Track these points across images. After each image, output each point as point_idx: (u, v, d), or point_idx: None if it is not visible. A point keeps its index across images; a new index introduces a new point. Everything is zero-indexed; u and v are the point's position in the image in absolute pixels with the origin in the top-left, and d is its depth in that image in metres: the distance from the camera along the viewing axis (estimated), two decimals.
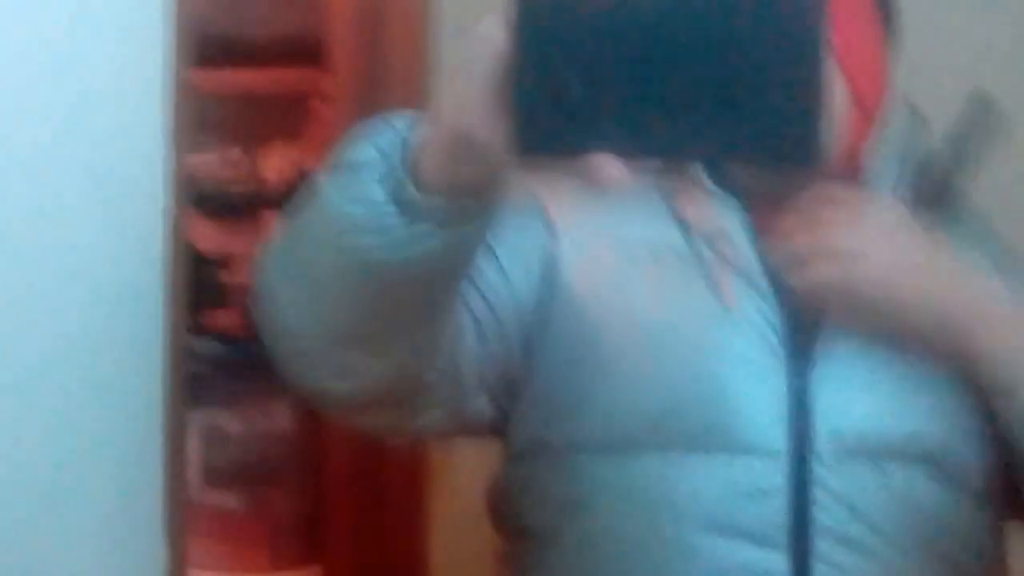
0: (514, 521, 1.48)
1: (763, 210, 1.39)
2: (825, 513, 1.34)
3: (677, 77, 1.06)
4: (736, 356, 1.38)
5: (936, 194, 1.44)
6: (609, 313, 1.40)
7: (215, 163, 3.35)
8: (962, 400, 1.39)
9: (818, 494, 1.35)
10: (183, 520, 1.46)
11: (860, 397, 1.37)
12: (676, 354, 1.38)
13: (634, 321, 1.39)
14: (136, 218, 1.42)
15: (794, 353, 1.37)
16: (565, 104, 1.06)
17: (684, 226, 1.41)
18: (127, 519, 1.39)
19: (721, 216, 1.40)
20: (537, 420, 1.42)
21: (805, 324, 1.37)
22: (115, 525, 1.37)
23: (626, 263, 1.41)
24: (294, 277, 1.28)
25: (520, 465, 1.45)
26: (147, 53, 1.41)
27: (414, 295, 1.25)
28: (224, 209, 3.22)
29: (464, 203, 1.17)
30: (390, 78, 2.48)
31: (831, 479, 1.34)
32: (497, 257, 1.38)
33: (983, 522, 1.43)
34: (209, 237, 2.95)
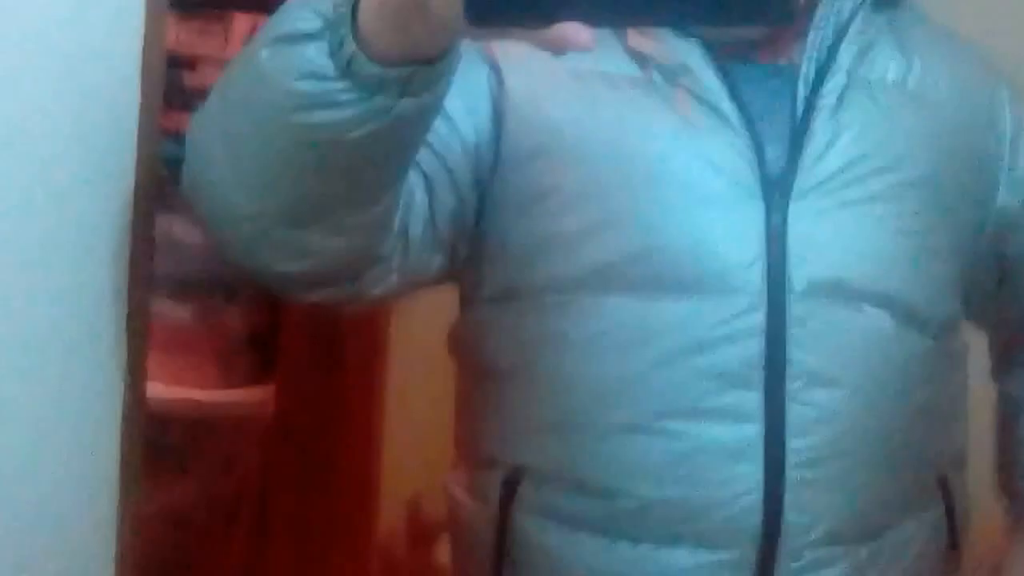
0: (480, 361, 1.45)
1: (723, 48, 1.36)
2: (800, 352, 1.33)
3: None
4: (709, 193, 1.34)
5: None
6: (568, 149, 1.35)
7: None
8: (948, 239, 1.41)
9: (794, 333, 1.33)
10: (144, 331, 1.40)
11: (834, 236, 1.35)
12: (645, 190, 1.34)
13: (596, 156, 1.35)
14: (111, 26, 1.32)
15: (769, 191, 1.34)
16: None
17: (642, 59, 1.36)
18: (84, 330, 1.33)
19: (682, 52, 1.35)
20: (503, 263, 1.39)
21: (779, 162, 1.35)
22: (72, 335, 1.31)
23: (583, 94, 1.36)
24: (237, 158, 1.20)
25: (487, 307, 1.42)
26: None
27: (369, 169, 1.19)
28: (191, 8, 3.12)
29: (419, 72, 1.09)
30: None
31: (807, 319, 1.33)
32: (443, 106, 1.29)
33: (948, 360, 1.45)
34: (175, 38, 2.85)
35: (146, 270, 1.36)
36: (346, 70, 1.09)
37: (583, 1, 0.98)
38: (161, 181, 1.37)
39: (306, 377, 2.57)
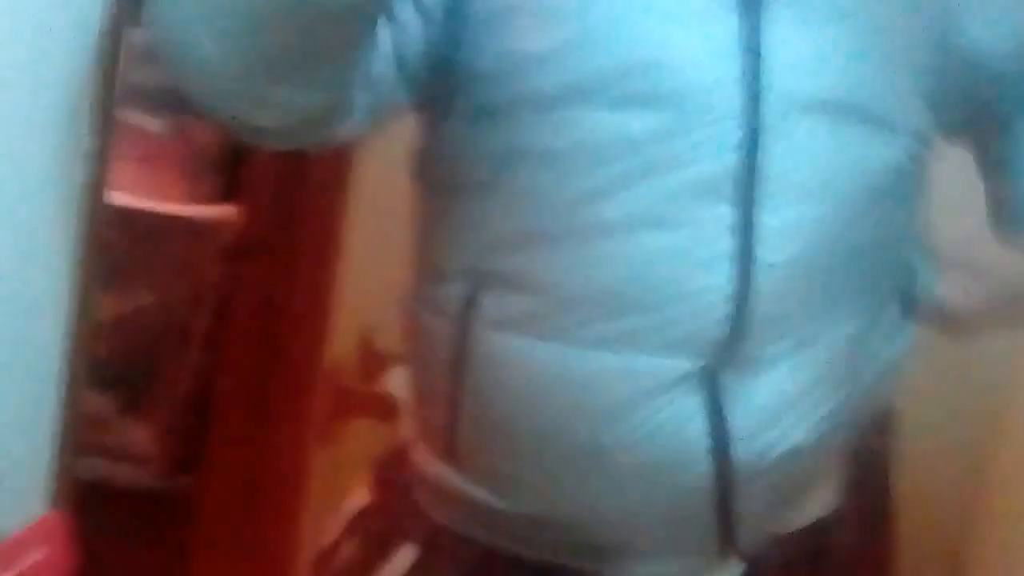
0: (446, 178, 1.44)
1: None
2: (775, 165, 1.32)
3: None
4: (683, 8, 1.33)
5: None
6: None
7: None
8: (924, 48, 1.41)
9: (769, 146, 1.32)
10: (107, 139, 1.38)
11: (809, 49, 1.34)
12: (619, 6, 1.33)
13: None
14: None
15: (743, 3, 1.33)
16: None
17: None
18: (43, 141, 1.31)
19: None
20: (473, 83, 1.36)
21: None
22: (31, 144, 1.30)
23: None
24: (208, 11, 1.16)
25: (456, 126, 1.40)
26: None
27: (344, 17, 1.16)
28: None
29: None
30: None
31: (782, 131, 1.33)
32: None
33: (917, 174, 1.45)
34: None
35: (111, 79, 1.34)
36: None
37: None
38: None
39: (270, 198, 2.55)
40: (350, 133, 1.33)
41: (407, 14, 1.30)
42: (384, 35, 1.29)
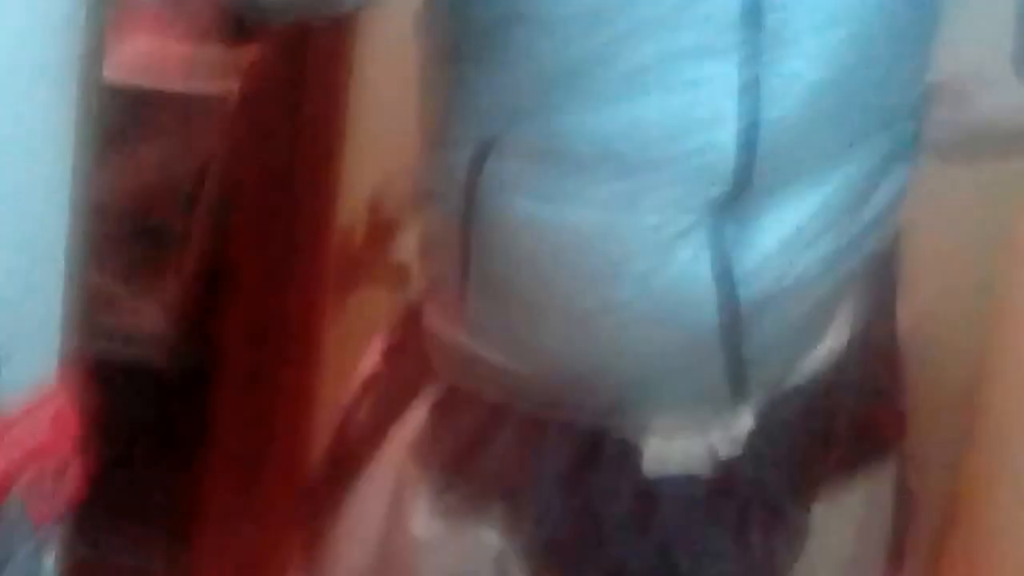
0: (448, 41, 1.44)
1: None
2: (776, 15, 1.32)
3: None
4: None
5: None
6: None
7: None
8: None
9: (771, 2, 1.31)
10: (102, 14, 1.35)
11: None
12: None
13: None
14: None
15: None
16: None
17: None
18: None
19: None
20: None
21: None
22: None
23: None
24: None
25: None
26: None
27: None
28: None
29: None
30: None
31: None
32: None
33: (920, 20, 1.43)
34: None
35: None
36: None
37: None
38: None
39: (273, 64, 2.52)
40: (355, 5, 1.31)
41: None
42: None
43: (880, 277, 1.57)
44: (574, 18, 1.33)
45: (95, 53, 1.34)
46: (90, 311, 1.33)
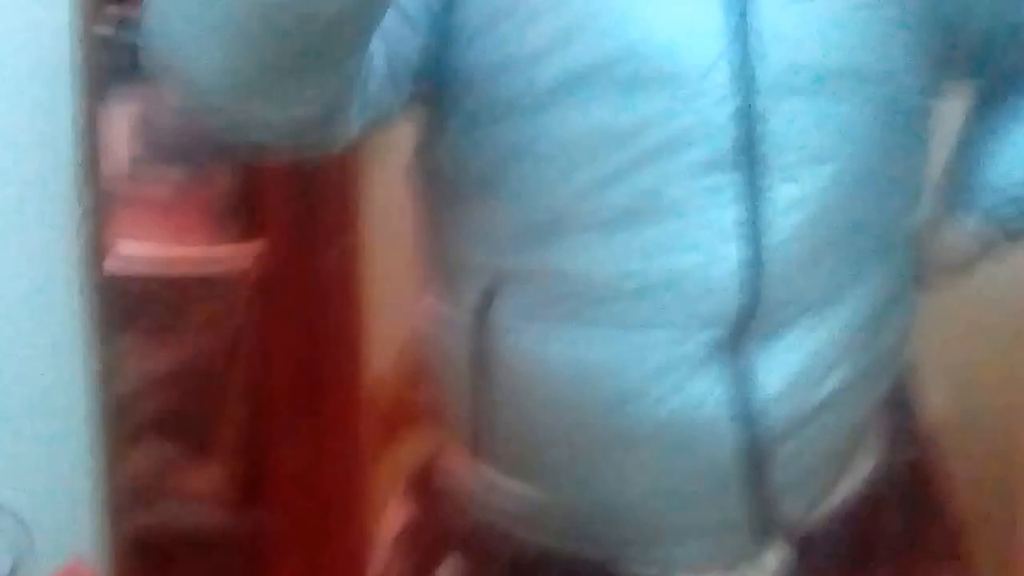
0: (450, 181, 1.43)
1: None
2: (775, 137, 1.31)
3: None
4: None
5: None
6: None
7: None
8: (899, 14, 1.36)
9: (768, 120, 1.31)
10: (100, 212, 1.39)
11: (797, 18, 1.32)
12: (599, 1, 1.31)
13: None
14: None
15: None
16: None
17: None
18: (40, 210, 1.32)
19: None
20: (471, 86, 1.35)
21: None
22: (30, 219, 1.31)
23: None
24: (199, 29, 1.14)
25: (456, 130, 1.39)
26: None
27: (337, 37, 1.15)
28: None
29: None
30: None
31: (779, 105, 1.31)
32: None
33: (918, 133, 1.43)
34: None
35: (94, 147, 1.35)
36: None
37: None
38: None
39: (288, 236, 2.56)
40: (345, 142, 1.31)
41: (397, 26, 1.29)
42: (377, 47, 1.27)
43: (903, 396, 1.55)
44: (575, 147, 1.33)
45: (98, 248, 1.38)
46: (137, 491, 1.34)
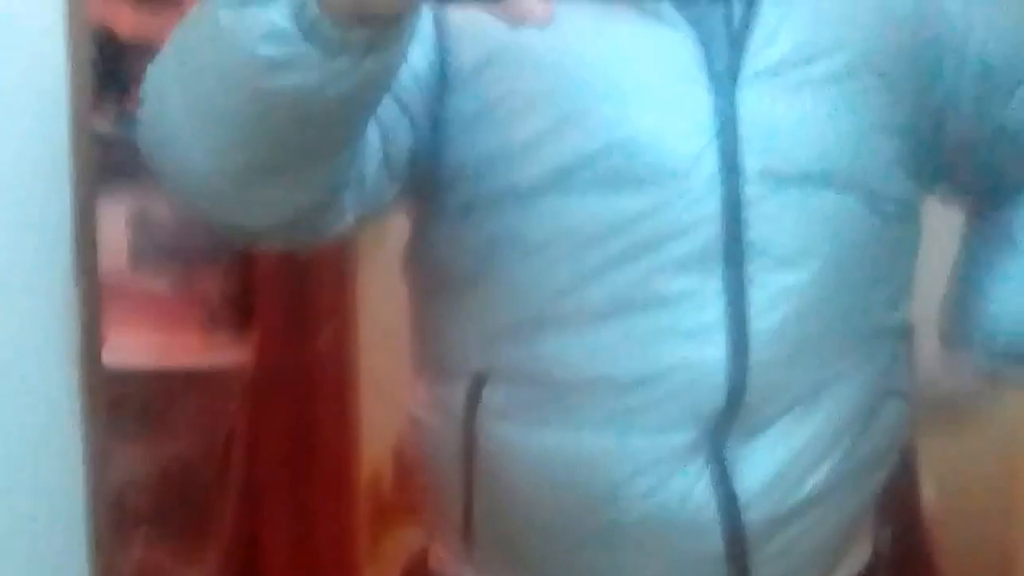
0: (438, 274, 1.44)
1: None
2: (756, 235, 1.32)
3: None
4: (658, 88, 1.32)
5: None
6: (514, 56, 1.32)
7: None
8: (894, 119, 1.38)
9: (749, 217, 1.31)
10: (98, 307, 1.40)
11: (783, 120, 1.33)
12: (594, 89, 1.32)
13: (543, 60, 1.32)
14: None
15: (716, 81, 1.32)
16: None
17: None
18: (39, 306, 1.32)
19: None
20: (460, 178, 1.36)
21: (723, 55, 1.33)
22: (26, 312, 1.31)
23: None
24: (195, 117, 1.15)
25: (446, 222, 1.40)
26: None
27: (331, 126, 1.16)
28: None
29: (380, 33, 1.07)
30: None
31: (761, 202, 1.32)
32: None
33: (903, 237, 1.44)
34: (131, 21, 2.82)
35: (91, 241, 1.36)
36: (309, 33, 1.06)
37: None
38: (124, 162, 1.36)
39: (282, 331, 2.57)
40: (340, 232, 1.32)
41: (392, 115, 1.30)
42: (372, 135, 1.28)
43: (901, 490, 1.56)
44: (560, 242, 1.34)
45: (94, 341, 1.38)
46: None
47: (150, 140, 1.21)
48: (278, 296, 2.58)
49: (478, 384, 1.40)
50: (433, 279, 1.45)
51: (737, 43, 1.33)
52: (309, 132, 1.15)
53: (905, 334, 1.49)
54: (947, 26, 1.42)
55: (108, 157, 1.58)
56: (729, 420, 1.34)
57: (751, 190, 1.31)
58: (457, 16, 1.33)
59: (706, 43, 1.32)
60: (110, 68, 2.27)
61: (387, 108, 1.28)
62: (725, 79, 1.32)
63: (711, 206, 1.31)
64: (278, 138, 1.15)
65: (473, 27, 1.32)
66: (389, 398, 2.40)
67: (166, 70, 1.18)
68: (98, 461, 1.36)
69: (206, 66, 1.13)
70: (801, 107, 1.34)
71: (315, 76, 1.08)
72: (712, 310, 1.32)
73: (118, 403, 1.50)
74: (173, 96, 1.17)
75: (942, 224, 1.55)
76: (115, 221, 2.61)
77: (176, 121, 1.17)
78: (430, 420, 1.47)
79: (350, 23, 1.06)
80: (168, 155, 1.20)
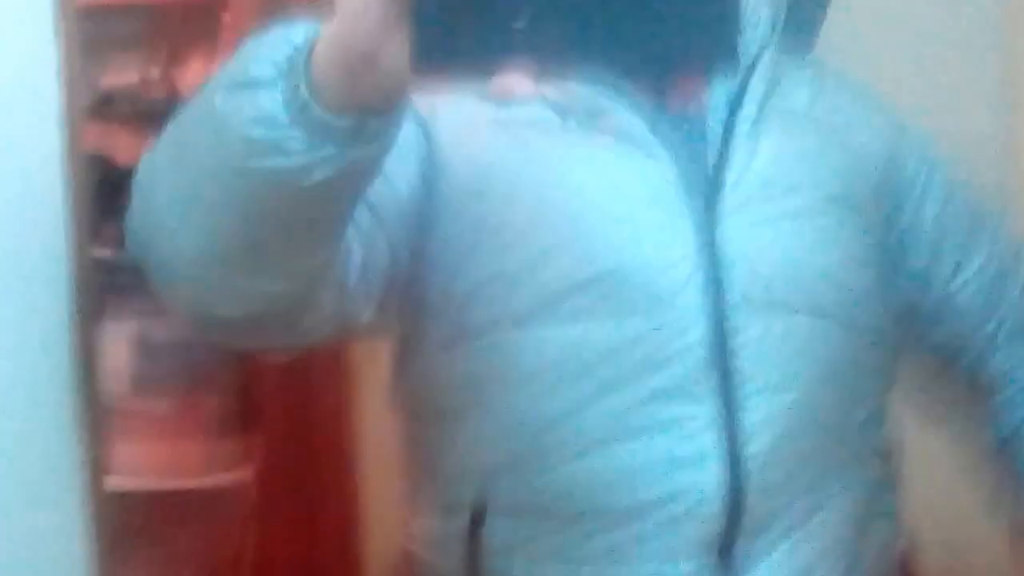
0: (428, 407, 1.43)
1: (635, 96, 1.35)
2: (743, 362, 1.32)
3: None
4: (641, 219, 1.33)
5: (799, 27, 1.43)
6: (501, 189, 1.34)
7: (133, 75, 3.29)
8: (866, 252, 1.40)
9: (735, 344, 1.32)
10: (100, 429, 1.40)
11: (762, 251, 1.34)
12: (579, 221, 1.33)
13: (529, 193, 1.33)
14: (32, 127, 1.34)
15: (696, 213, 1.34)
16: (467, 11, 1.01)
17: (560, 107, 1.34)
18: (40, 430, 1.33)
19: (599, 98, 1.34)
20: (446, 310, 1.36)
21: (702, 186, 1.34)
22: (28, 435, 1.31)
23: (509, 139, 1.34)
24: (184, 200, 1.17)
25: (432, 354, 1.39)
26: None
27: (316, 214, 1.17)
28: (145, 120, 3.14)
29: (369, 123, 1.09)
30: None
31: (746, 329, 1.32)
32: None
33: (886, 357, 1.45)
34: (128, 148, 2.86)
35: (92, 365, 1.36)
36: (298, 118, 1.08)
37: (523, 49, 1.01)
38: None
39: (285, 444, 2.56)
40: (317, 338, 1.32)
41: (373, 231, 1.30)
42: (351, 239, 1.28)
43: None
44: (551, 372, 1.33)
45: (98, 464, 1.37)
46: None
47: (138, 227, 1.22)
48: (281, 414, 2.59)
49: (477, 519, 1.38)
50: (422, 410, 1.44)
51: (715, 176, 1.35)
52: (291, 221, 1.16)
53: (890, 456, 1.49)
54: (907, 184, 1.47)
55: (109, 281, 1.60)
56: (729, 547, 1.34)
57: (735, 318, 1.33)
58: (445, 149, 1.34)
59: (686, 174, 1.35)
60: (108, 194, 2.29)
61: (372, 226, 1.29)
62: (706, 210, 1.34)
63: (697, 334, 1.32)
64: (261, 223, 1.16)
65: (460, 160, 1.34)
66: (391, 518, 2.40)
67: (158, 157, 1.20)
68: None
69: (199, 148, 1.16)
70: (780, 238, 1.36)
71: (300, 160, 1.09)
72: (705, 436, 1.32)
73: (122, 527, 1.49)
74: (163, 181, 1.19)
75: None
76: (117, 344, 2.62)
77: (164, 206, 1.18)
78: (432, 549, 1.44)
79: (339, 111, 1.08)
80: (154, 241, 1.20)
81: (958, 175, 1.52)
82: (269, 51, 1.11)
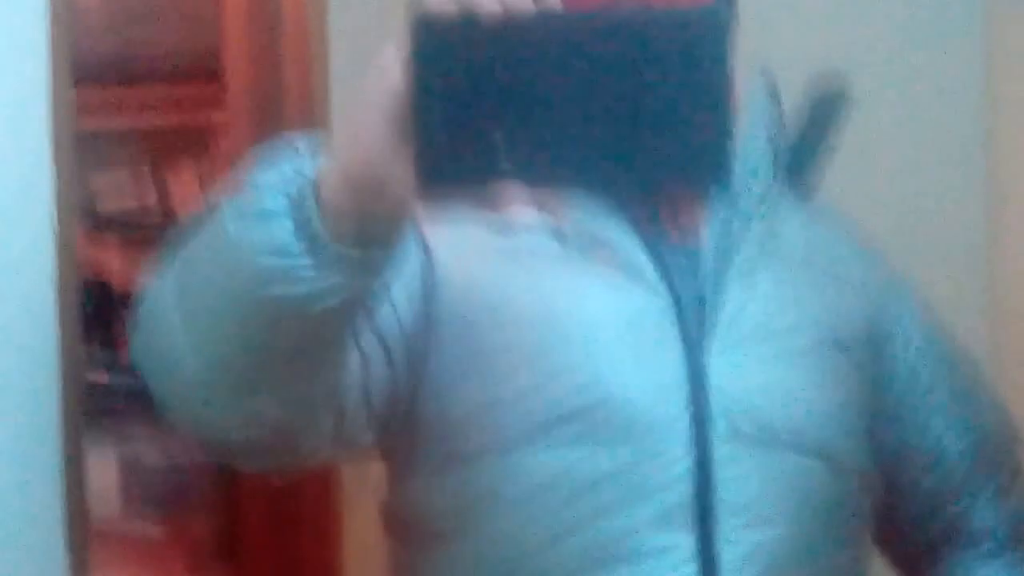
0: (419, 528, 1.41)
1: (644, 209, 1.37)
2: (728, 494, 1.31)
3: (580, 107, 1.02)
4: (636, 350, 1.33)
5: (800, 172, 1.44)
6: (501, 316, 1.34)
7: (126, 192, 3.32)
8: (856, 395, 1.41)
9: (721, 477, 1.31)
10: (87, 552, 1.37)
11: (755, 388, 1.34)
12: (576, 350, 1.33)
13: (528, 321, 1.33)
14: (25, 247, 1.33)
15: (690, 348, 1.34)
16: (466, 136, 1.02)
17: (559, 234, 1.35)
18: (28, 556, 1.30)
19: (600, 227, 1.35)
20: (440, 433, 1.35)
21: (698, 323, 1.34)
22: (16, 561, 1.28)
23: (511, 266, 1.35)
24: (194, 325, 1.18)
25: (425, 476, 1.38)
26: (28, 74, 1.33)
27: (319, 342, 1.18)
28: (139, 242, 3.15)
29: (376, 252, 1.11)
30: (285, 92, 2.42)
31: (732, 463, 1.32)
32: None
33: (862, 506, 1.43)
34: (120, 272, 2.86)
35: (80, 489, 1.34)
36: (308, 248, 1.10)
37: (524, 168, 1.02)
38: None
39: (271, 570, 2.53)
40: (317, 460, 1.33)
41: (374, 351, 1.30)
42: (353, 363, 1.28)
43: None
44: (539, 497, 1.32)
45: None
46: None
47: (144, 354, 1.22)
48: (266, 541, 2.56)
49: None
50: (411, 531, 1.43)
51: (708, 313, 1.35)
52: (293, 341, 1.16)
53: None
54: (890, 324, 1.47)
55: (99, 405, 1.57)
56: None
57: (721, 451, 1.32)
58: (448, 276, 1.34)
59: (683, 308, 1.35)
60: (100, 318, 2.29)
61: (373, 350, 1.29)
62: (698, 345, 1.34)
63: (684, 465, 1.31)
64: (266, 347, 1.16)
65: (462, 287, 1.34)
66: None
67: (165, 285, 1.21)
68: None
69: (210, 274, 1.16)
70: (772, 377, 1.36)
71: (308, 288, 1.11)
72: (688, 567, 1.31)
73: None
74: (170, 310, 1.19)
75: None
76: (105, 468, 2.61)
77: (173, 330, 1.19)
78: None
79: (348, 241, 1.09)
80: (163, 364, 1.21)
81: (940, 324, 1.52)
82: (279, 181, 1.13)
